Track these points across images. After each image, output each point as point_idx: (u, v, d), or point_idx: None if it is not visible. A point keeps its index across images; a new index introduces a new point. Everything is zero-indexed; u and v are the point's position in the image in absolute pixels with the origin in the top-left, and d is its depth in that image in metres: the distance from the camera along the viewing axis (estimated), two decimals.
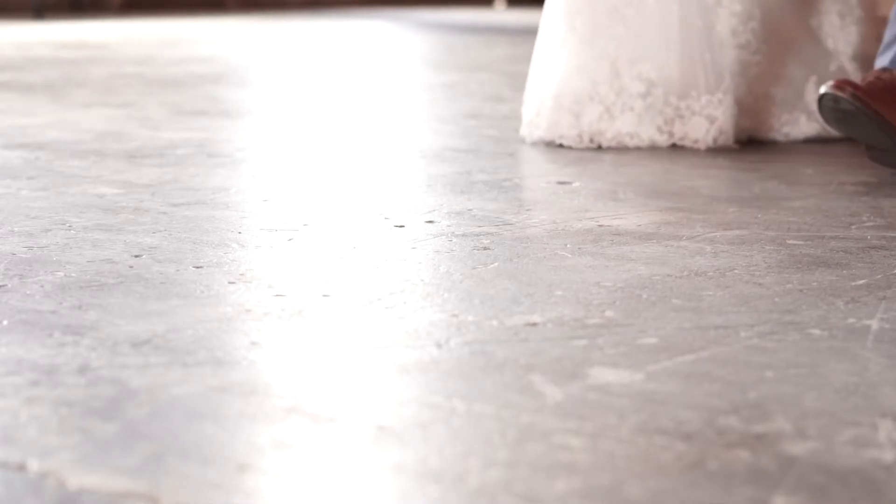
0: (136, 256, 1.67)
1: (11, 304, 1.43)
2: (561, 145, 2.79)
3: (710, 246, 1.75)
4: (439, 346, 1.28)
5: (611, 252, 1.71)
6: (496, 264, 1.64)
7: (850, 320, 1.38)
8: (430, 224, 1.90)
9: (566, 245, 1.76)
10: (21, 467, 0.96)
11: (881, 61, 2.39)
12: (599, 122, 2.79)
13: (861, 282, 1.55)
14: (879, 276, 1.58)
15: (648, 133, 2.79)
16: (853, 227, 1.90)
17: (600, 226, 1.89)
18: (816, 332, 1.33)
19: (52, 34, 6.66)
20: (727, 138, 2.78)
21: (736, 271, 1.61)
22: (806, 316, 1.39)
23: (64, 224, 1.87)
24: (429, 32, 7.52)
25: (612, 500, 0.91)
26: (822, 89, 2.30)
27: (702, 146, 2.77)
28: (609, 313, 1.40)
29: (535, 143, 2.82)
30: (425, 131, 3.04)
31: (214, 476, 0.94)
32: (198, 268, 1.61)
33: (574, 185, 2.27)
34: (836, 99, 2.26)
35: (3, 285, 1.51)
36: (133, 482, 0.93)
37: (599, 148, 2.77)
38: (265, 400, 1.11)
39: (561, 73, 2.83)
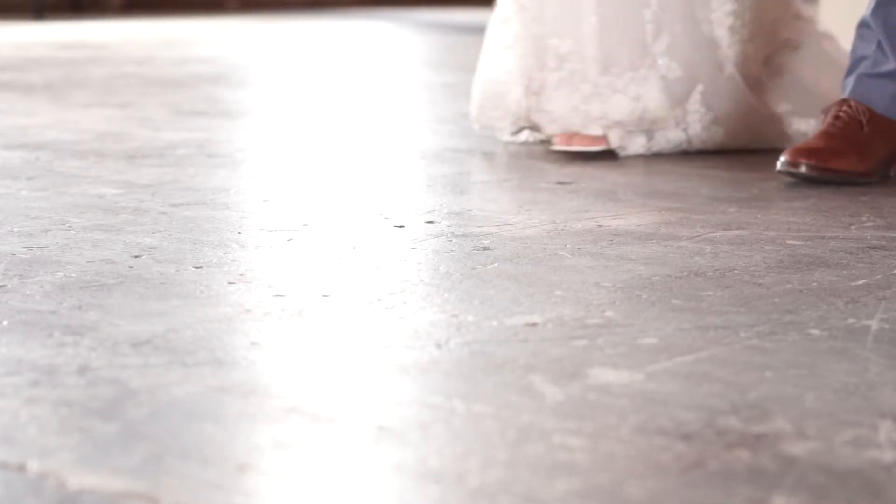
0: (136, 257, 1.67)
1: (11, 305, 1.43)
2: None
3: (710, 246, 1.75)
4: (439, 346, 1.28)
5: (610, 252, 1.71)
6: (496, 265, 1.64)
7: (850, 320, 1.38)
8: (429, 224, 1.90)
9: (566, 245, 1.76)
10: (21, 467, 0.96)
11: (844, 85, 2.40)
12: (526, 99, 2.66)
13: (861, 282, 1.55)
14: (879, 277, 1.58)
15: (563, 112, 2.62)
16: (853, 227, 1.90)
17: (600, 226, 1.89)
18: (816, 332, 1.33)
19: (51, 34, 6.66)
20: (653, 120, 2.60)
21: (735, 271, 1.61)
22: (805, 316, 1.39)
23: (64, 224, 1.87)
24: (429, 32, 7.53)
25: (611, 500, 0.91)
26: (779, 166, 2.26)
27: (626, 127, 2.59)
28: (609, 313, 1.40)
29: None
30: (425, 131, 3.04)
31: (214, 476, 0.94)
32: (198, 268, 1.61)
33: (574, 185, 2.27)
34: (791, 174, 2.27)
35: (3, 286, 1.51)
36: (133, 482, 0.93)
37: (528, 133, 2.70)
38: (265, 400, 1.11)
39: (495, 56, 2.74)
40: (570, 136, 2.63)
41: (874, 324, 1.36)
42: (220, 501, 0.90)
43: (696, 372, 1.19)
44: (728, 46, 2.66)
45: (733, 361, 1.23)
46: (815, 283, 1.55)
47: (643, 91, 2.59)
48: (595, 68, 2.61)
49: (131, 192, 2.15)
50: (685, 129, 2.63)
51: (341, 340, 1.30)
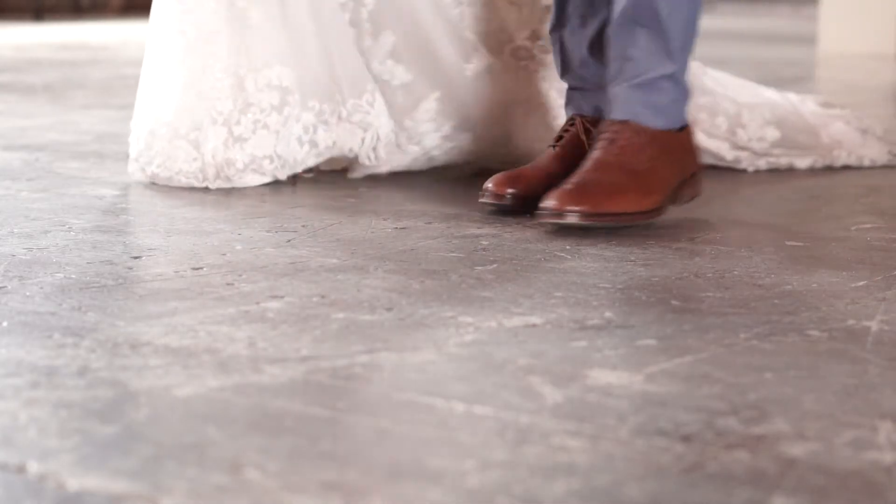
0: (136, 258, 1.67)
1: (11, 306, 1.43)
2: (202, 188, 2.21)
3: (710, 247, 1.75)
4: (438, 347, 1.28)
5: (610, 253, 1.71)
6: (495, 265, 1.64)
7: (850, 322, 1.38)
8: (429, 225, 1.90)
9: (565, 246, 1.76)
10: (21, 469, 0.96)
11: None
12: (227, 150, 2.18)
13: (861, 283, 1.55)
14: (879, 278, 1.58)
15: (292, 150, 2.22)
16: (853, 228, 1.90)
17: (599, 227, 1.89)
18: (816, 333, 1.33)
19: (51, 36, 6.66)
20: (389, 145, 2.30)
21: (735, 273, 1.61)
22: (805, 317, 1.39)
23: (63, 225, 1.87)
24: None
25: (610, 501, 0.91)
26: (541, 218, 1.82)
27: (363, 159, 2.29)
28: (608, 315, 1.40)
29: (150, 185, 2.22)
30: None
31: (214, 478, 0.94)
32: (197, 269, 1.61)
33: None
34: (558, 224, 1.83)
35: (3, 287, 1.51)
36: (132, 484, 0.93)
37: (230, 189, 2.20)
38: (264, 402, 1.11)
39: (177, 92, 2.21)
40: None
41: (874, 325, 1.36)
42: (219, 503, 0.90)
43: (696, 373, 1.19)
44: (469, 28, 2.36)
45: (733, 363, 1.23)
46: (814, 285, 1.54)
47: (371, 118, 2.28)
48: (319, 97, 2.25)
49: (131, 194, 2.15)
50: (419, 143, 2.34)
51: (341, 341, 1.30)
